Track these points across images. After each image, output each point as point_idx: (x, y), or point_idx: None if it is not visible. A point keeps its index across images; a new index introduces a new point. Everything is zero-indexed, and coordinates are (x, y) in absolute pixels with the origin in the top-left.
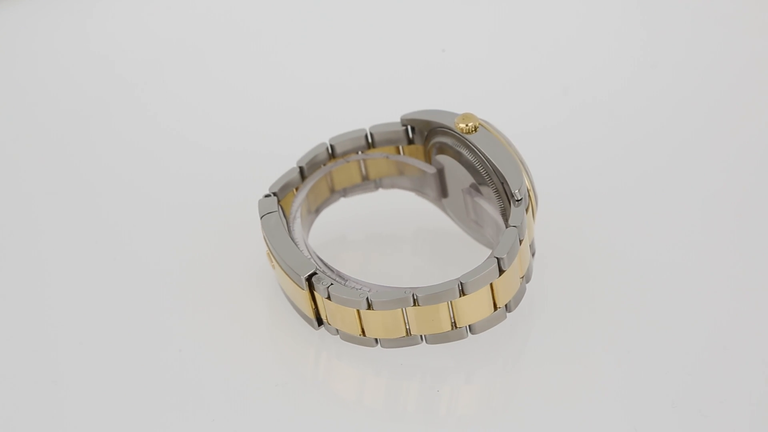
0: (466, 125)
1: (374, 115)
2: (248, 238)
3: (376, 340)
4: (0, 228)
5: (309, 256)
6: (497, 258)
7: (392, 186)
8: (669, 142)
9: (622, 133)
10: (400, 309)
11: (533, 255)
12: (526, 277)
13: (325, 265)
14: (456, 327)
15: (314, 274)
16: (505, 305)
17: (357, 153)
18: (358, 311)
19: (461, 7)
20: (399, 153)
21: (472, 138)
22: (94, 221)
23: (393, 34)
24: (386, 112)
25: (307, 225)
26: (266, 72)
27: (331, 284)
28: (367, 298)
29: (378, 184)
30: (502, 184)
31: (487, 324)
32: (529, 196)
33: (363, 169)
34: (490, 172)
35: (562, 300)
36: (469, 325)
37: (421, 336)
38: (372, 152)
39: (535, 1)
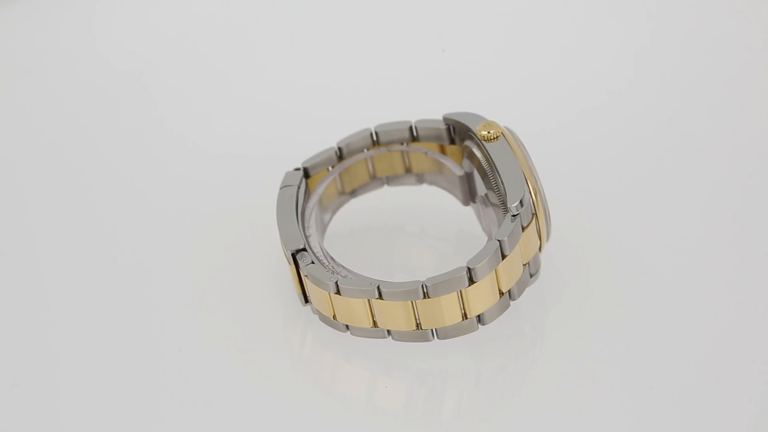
0: (488, 132)
1: (377, 116)
2: (253, 239)
3: (346, 326)
4: (2, 228)
5: (309, 235)
6: (468, 267)
7: (433, 183)
8: (671, 142)
9: (623, 133)
10: (365, 300)
11: (533, 275)
12: (512, 294)
13: (322, 247)
14: (421, 328)
15: (302, 250)
16: (478, 317)
17: (401, 144)
18: (329, 294)
19: (461, 7)
20: (442, 151)
21: (489, 146)
22: (95, 221)
23: (393, 34)
24: (388, 112)
25: (335, 206)
26: (268, 73)
27: (312, 263)
28: (336, 282)
29: (421, 179)
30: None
31: (455, 331)
32: (536, 215)
33: (406, 161)
34: (499, 183)
35: (561, 300)
36: (436, 330)
37: (387, 330)
38: (414, 145)
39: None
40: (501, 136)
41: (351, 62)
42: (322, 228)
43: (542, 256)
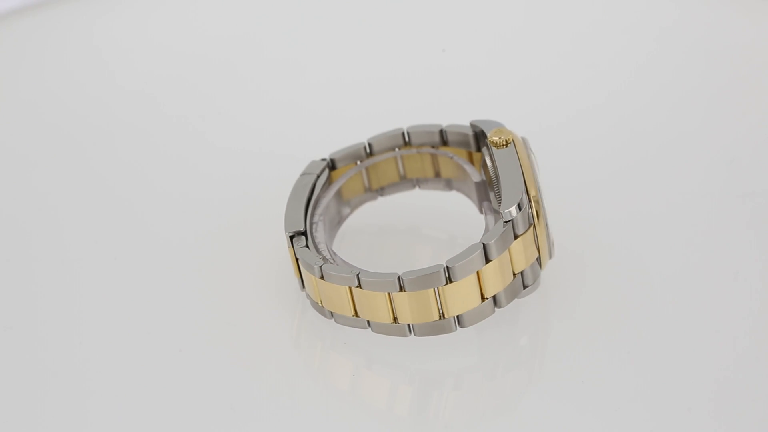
0: (499, 138)
1: (380, 117)
2: (260, 240)
3: (331, 313)
4: (3, 224)
5: (315, 222)
6: (446, 266)
7: (459, 189)
8: (672, 138)
9: (623, 132)
10: (347, 287)
11: (528, 287)
12: (498, 301)
13: (325, 237)
14: (397, 322)
15: (301, 234)
16: (457, 317)
17: (430, 147)
18: (315, 279)
19: (461, 7)
20: (470, 158)
21: (497, 152)
22: (96, 220)
23: (392, 34)
24: (389, 113)
25: (359, 201)
26: (267, 73)
27: (305, 246)
28: (321, 267)
29: (450, 184)
30: None
31: (432, 330)
32: (534, 225)
33: (435, 165)
34: (499, 189)
35: (559, 298)
36: (413, 325)
37: (367, 321)
38: (443, 149)
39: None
40: (511, 143)
41: (349, 63)
42: (339, 220)
43: (550, 268)
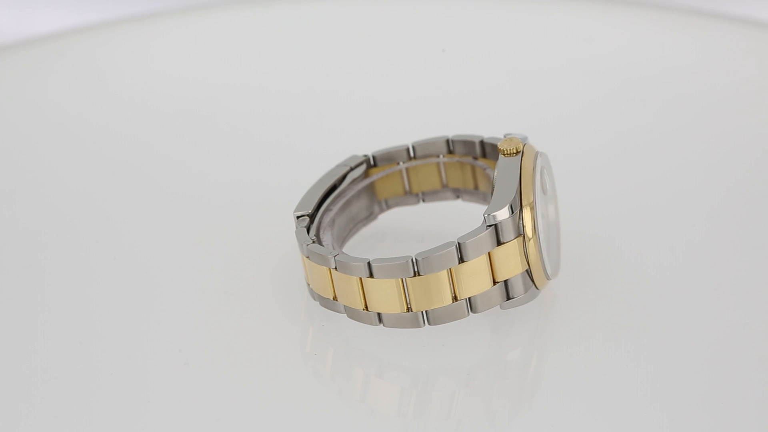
0: (508, 147)
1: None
2: (265, 242)
3: (318, 295)
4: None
5: (329, 209)
6: (414, 258)
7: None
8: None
9: (622, 132)
10: (326, 268)
11: (513, 299)
12: (472, 306)
13: (334, 225)
14: (367, 309)
15: (308, 217)
16: (426, 313)
17: (471, 158)
18: (304, 258)
19: (461, 8)
20: None
21: (501, 160)
22: (95, 220)
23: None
24: (391, 116)
25: (395, 202)
26: (267, 80)
27: (304, 227)
28: (307, 246)
29: (486, 199)
30: None
31: (397, 322)
32: (525, 237)
33: (474, 177)
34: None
35: (556, 296)
36: (381, 315)
37: (344, 306)
38: (480, 161)
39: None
40: (520, 153)
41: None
42: (367, 215)
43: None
